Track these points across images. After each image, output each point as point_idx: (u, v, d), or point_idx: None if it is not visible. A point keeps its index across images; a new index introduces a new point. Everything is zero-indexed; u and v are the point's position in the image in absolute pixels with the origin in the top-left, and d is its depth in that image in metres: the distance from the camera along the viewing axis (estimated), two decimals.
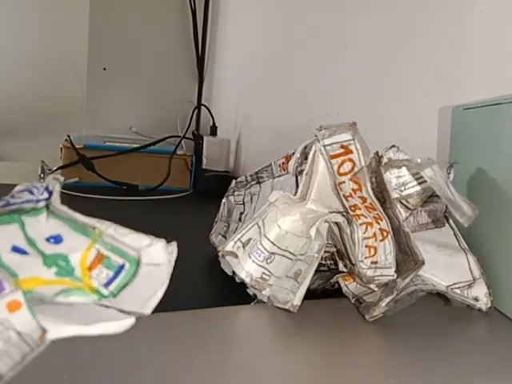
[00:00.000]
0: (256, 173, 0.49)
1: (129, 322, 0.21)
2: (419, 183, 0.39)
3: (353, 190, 0.39)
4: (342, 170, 0.40)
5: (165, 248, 0.23)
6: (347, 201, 0.39)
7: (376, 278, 0.37)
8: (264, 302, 0.38)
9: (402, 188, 0.39)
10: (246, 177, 0.50)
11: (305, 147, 0.42)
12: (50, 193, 0.23)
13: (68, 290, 0.21)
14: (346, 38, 0.77)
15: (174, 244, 0.23)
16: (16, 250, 0.20)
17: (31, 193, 0.23)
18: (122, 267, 0.22)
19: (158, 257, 0.23)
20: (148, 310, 0.22)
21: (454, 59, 0.55)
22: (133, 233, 0.23)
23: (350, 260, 0.38)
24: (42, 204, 0.23)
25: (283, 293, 0.37)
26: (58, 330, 0.20)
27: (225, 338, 0.32)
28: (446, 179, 0.38)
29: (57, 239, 0.22)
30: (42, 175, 0.96)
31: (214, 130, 1.15)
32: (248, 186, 0.50)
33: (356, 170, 0.40)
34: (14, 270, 0.20)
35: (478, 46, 0.52)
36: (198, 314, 0.36)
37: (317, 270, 0.39)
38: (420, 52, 0.61)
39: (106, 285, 0.22)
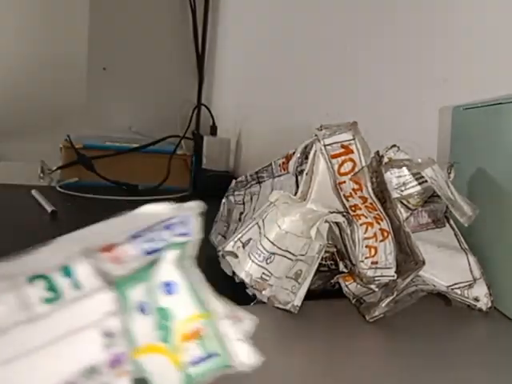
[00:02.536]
0: (256, 172, 0.49)
1: None
2: (420, 183, 0.39)
3: (353, 189, 0.39)
4: (342, 170, 0.40)
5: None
6: (347, 201, 0.39)
7: (376, 279, 0.37)
8: (264, 303, 0.38)
9: (403, 188, 0.39)
10: (246, 176, 0.50)
11: (305, 147, 0.42)
12: (188, 234, 0.21)
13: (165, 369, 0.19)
14: (347, 38, 0.77)
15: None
16: (141, 308, 0.19)
17: (173, 231, 0.20)
18: (213, 355, 0.20)
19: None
20: None
21: (454, 59, 0.55)
22: (242, 342, 0.21)
23: (350, 260, 0.38)
24: (177, 242, 0.20)
25: (283, 293, 0.37)
26: None
27: None
28: (446, 179, 0.38)
29: (171, 288, 0.20)
30: (41, 175, 0.96)
31: (213, 130, 1.15)
32: (248, 185, 0.50)
33: (356, 169, 0.40)
34: (134, 337, 0.18)
35: (478, 45, 0.52)
36: None
37: (317, 271, 0.39)
38: (420, 52, 0.61)
39: (195, 363, 0.20)
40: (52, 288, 0.17)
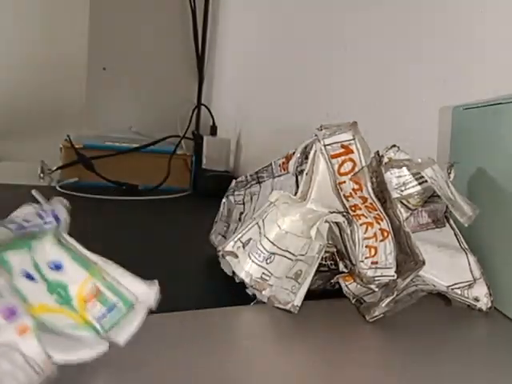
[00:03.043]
0: (256, 172, 0.49)
1: (102, 348, 0.22)
2: (420, 183, 0.39)
3: (353, 189, 0.39)
4: (342, 170, 0.40)
5: (156, 292, 0.24)
6: (347, 201, 0.39)
7: (376, 279, 0.37)
8: (264, 303, 0.38)
9: (403, 188, 0.39)
10: (246, 176, 0.50)
11: (305, 147, 0.42)
12: (57, 218, 0.24)
13: (75, 326, 0.22)
14: (346, 38, 0.77)
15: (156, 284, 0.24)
16: (26, 275, 0.21)
17: (40, 217, 0.24)
18: (114, 305, 0.23)
19: (146, 298, 0.24)
20: (122, 338, 0.23)
21: (454, 59, 0.55)
22: (132, 276, 0.24)
23: (350, 260, 0.38)
24: (49, 228, 0.23)
25: (283, 293, 0.37)
26: (61, 358, 0.20)
27: (224, 339, 0.32)
28: (446, 179, 0.38)
29: (58, 266, 0.22)
30: (41, 175, 0.96)
31: (213, 130, 1.15)
32: (248, 185, 0.50)
33: (356, 169, 0.40)
34: (25, 296, 0.20)
35: (478, 45, 0.52)
36: (198, 315, 0.36)
37: (317, 271, 0.39)
38: (420, 52, 0.61)
39: (99, 319, 0.22)
40: None
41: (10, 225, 0.23)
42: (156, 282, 0.24)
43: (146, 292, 0.24)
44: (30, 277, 0.21)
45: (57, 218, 0.25)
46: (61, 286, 0.22)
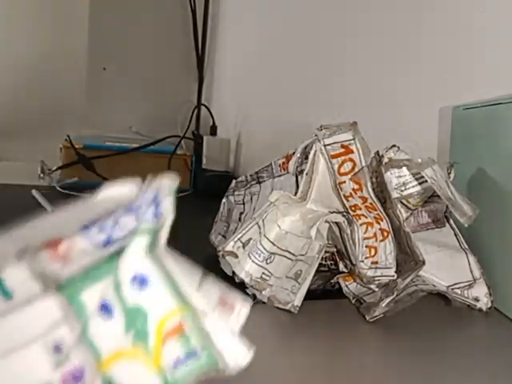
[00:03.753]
0: (256, 172, 0.49)
1: None
2: (420, 183, 0.39)
3: (353, 189, 0.39)
4: (342, 170, 0.40)
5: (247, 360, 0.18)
6: (347, 201, 0.39)
7: (376, 279, 0.37)
8: (264, 303, 0.38)
9: (403, 188, 0.39)
10: (246, 176, 0.50)
11: (305, 147, 0.42)
12: (158, 211, 0.17)
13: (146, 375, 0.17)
14: (346, 38, 0.77)
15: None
16: (103, 308, 0.16)
17: (136, 214, 0.17)
18: (195, 353, 0.17)
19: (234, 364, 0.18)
20: None
21: (454, 59, 0.55)
22: (231, 333, 0.18)
23: (350, 260, 0.38)
24: (143, 227, 0.17)
25: (283, 293, 0.37)
26: None
27: None
28: (446, 179, 0.38)
29: (142, 282, 0.16)
30: (41, 175, 0.96)
31: (213, 130, 1.15)
32: (248, 185, 0.50)
33: (356, 169, 0.40)
34: (98, 348, 0.16)
35: (478, 45, 0.52)
36: None
37: (317, 271, 0.39)
38: (420, 52, 0.61)
39: (174, 365, 0.17)
40: None
41: (97, 235, 0.16)
42: (253, 349, 0.19)
43: (237, 356, 0.18)
44: (107, 310, 0.16)
45: (157, 211, 0.17)
46: (140, 313, 0.16)
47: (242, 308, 0.19)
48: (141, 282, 0.16)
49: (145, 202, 0.17)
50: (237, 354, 0.18)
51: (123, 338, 0.16)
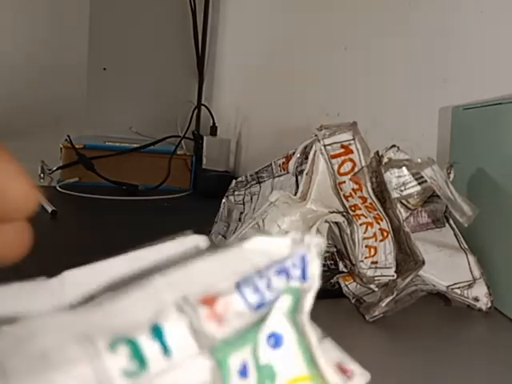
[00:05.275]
0: (256, 173, 0.49)
1: None
2: (419, 183, 0.39)
3: (353, 189, 0.39)
4: (342, 170, 0.40)
5: None
6: (347, 201, 0.39)
7: (376, 278, 0.37)
8: None
9: (402, 188, 0.39)
10: (246, 177, 0.50)
11: (305, 147, 0.42)
12: (304, 273, 0.16)
13: None
14: (346, 38, 0.77)
15: None
16: (242, 372, 0.15)
17: (288, 277, 0.16)
18: None
19: None
20: None
21: (454, 59, 0.55)
22: None
23: (350, 260, 0.38)
24: (291, 288, 0.16)
25: None
26: None
27: None
28: (446, 179, 0.38)
29: (277, 342, 0.16)
30: (41, 175, 0.96)
31: (214, 130, 1.15)
32: (248, 185, 0.50)
33: (356, 169, 0.40)
34: None
35: (478, 45, 0.52)
36: None
37: None
38: (420, 52, 0.61)
39: None
40: (137, 356, 0.13)
41: (252, 296, 0.15)
42: None
43: None
44: (244, 373, 0.15)
45: (303, 274, 0.16)
46: (270, 374, 0.16)
47: (361, 377, 0.18)
48: (276, 340, 0.16)
49: (296, 262, 0.16)
50: None
51: None
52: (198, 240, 0.18)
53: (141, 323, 0.14)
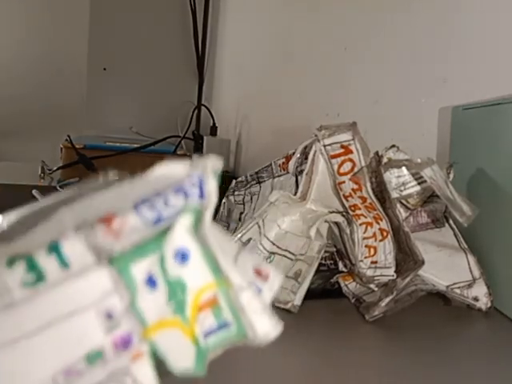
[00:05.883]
0: (256, 173, 0.49)
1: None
2: (419, 183, 0.39)
3: (353, 189, 0.39)
4: (342, 170, 0.40)
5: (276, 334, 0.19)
6: (347, 201, 0.39)
7: (376, 278, 0.37)
8: None
9: (402, 188, 0.39)
10: (246, 177, 0.50)
11: (305, 147, 0.42)
12: (202, 192, 0.18)
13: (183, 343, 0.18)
14: (346, 38, 0.77)
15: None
16: (149, 281, 0.17)
17: (185, 194, 0.17)
18: (226, 324, 0.18)
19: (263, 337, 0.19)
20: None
21: (454, 59, 0.55)
22: (263, 309, 0.19)
23: (349, 260, 0.38)
24: (188, 207, 0.17)
25: (284, 293, 0.37)
26: None
27: None
28: (445, 179, 0.38)
29: (184, 256, 0.18)
30: (42, 175, 0.96)
31: (214, 130, 1.15)
32: (248, 185, 0.50)
33: (356, 169, 0.40)
34: (144, 316, 0.17)
35: (478, 45, 0.52)
36: None
37: (317, 270, 0.39)
38: (420, 52, 0.61)
39: (206, 334, 0.18)
40: (33, 269, 0.16)
41: (148, 213, 0.17)
42: (281, 325, 0.19)
43: (267, 330, 0.19)
44: (152, 283, 0.17)
45: (202, 192, 0.18)
46: (180, 285, 0.18)
47: (275, 278, 0.20)
48: (182, 256, 0.18)
49: (191, 183, 0.18)
50: (267, 328, 0.19)
51: (165, 309, 0.17)
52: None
53: (40, 243, 0.16)
